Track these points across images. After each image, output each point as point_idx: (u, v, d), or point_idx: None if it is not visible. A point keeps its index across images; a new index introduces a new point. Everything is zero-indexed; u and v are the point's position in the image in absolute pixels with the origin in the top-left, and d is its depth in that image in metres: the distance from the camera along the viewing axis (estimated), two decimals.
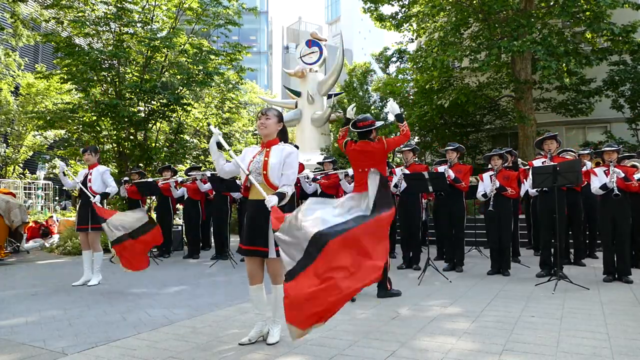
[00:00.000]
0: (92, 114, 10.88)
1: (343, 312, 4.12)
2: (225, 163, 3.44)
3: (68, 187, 6.29)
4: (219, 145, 3.38)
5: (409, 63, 15.94)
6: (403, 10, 15.22)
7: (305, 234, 2.53)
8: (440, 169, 6.62)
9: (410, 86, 17.37)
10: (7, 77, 18.30)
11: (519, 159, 8.20)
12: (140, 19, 11.27)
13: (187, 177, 8.78)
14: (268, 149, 3.29)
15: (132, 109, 10.70)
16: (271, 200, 2.94)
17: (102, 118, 10.80)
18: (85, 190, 5.79)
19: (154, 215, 9.04)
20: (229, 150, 3.40)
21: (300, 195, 8.45)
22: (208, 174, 8.11)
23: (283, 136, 3.40)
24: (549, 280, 5.33)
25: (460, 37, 13.95)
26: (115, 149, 11.39)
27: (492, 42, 12.69)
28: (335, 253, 2.48)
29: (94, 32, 10.92)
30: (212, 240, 9.16)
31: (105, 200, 6.52)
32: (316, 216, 2.61)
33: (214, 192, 8.13)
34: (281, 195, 3.06)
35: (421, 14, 14.89)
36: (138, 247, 5.13)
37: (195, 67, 11.55)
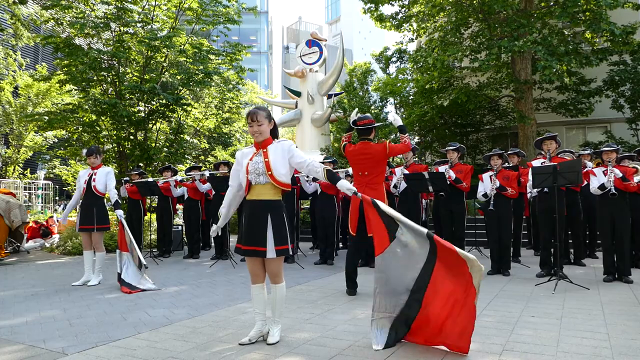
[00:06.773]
0: (92, 113, 10.88)
1: (343, 312, 4.14)
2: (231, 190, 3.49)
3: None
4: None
5: (409, 63, 15.92)
6: (403, 10, 15.19)
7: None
8: (441, 169, 6.62)
9: (411, 86, 17.35)
10: (7, 77, 18.26)
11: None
12: (140, 19, 11.26)
13: (187, 177, 8.78)
14: (264, 150, 3.28)
15: (132, 109, 10.69)
16: (350, 187, 3.27)
17: (102, 118, 10.80)
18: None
19: (154, 216, 9.05)
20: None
21: (301, 195, 8.45)
22: (207, 174, 8.10)
23: (274, 132, 3.40)
24: (549, 280, 5.33)
25: (460, 37, 13.94)
26: (115, 149, 11.38)
27: (492, 42, 12.68)
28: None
29: (94, 32, 10.90)
30: (212, 240, 9.16)
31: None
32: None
33: (213, 192, 8.13)
34: (337, 178, 3.29)
35: (421, 13, 14.87)
36: None
37: (195, 67, 11.54)
